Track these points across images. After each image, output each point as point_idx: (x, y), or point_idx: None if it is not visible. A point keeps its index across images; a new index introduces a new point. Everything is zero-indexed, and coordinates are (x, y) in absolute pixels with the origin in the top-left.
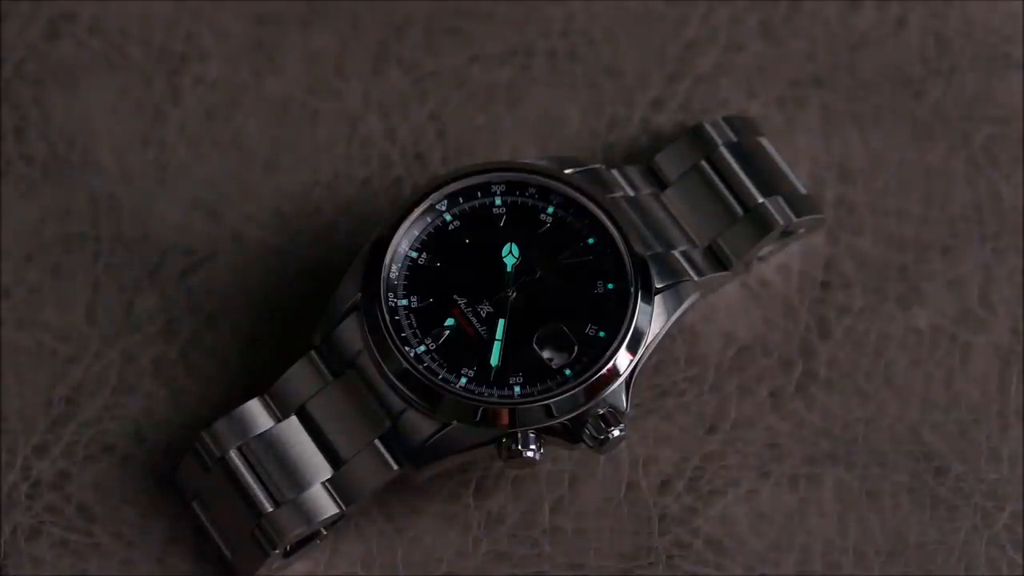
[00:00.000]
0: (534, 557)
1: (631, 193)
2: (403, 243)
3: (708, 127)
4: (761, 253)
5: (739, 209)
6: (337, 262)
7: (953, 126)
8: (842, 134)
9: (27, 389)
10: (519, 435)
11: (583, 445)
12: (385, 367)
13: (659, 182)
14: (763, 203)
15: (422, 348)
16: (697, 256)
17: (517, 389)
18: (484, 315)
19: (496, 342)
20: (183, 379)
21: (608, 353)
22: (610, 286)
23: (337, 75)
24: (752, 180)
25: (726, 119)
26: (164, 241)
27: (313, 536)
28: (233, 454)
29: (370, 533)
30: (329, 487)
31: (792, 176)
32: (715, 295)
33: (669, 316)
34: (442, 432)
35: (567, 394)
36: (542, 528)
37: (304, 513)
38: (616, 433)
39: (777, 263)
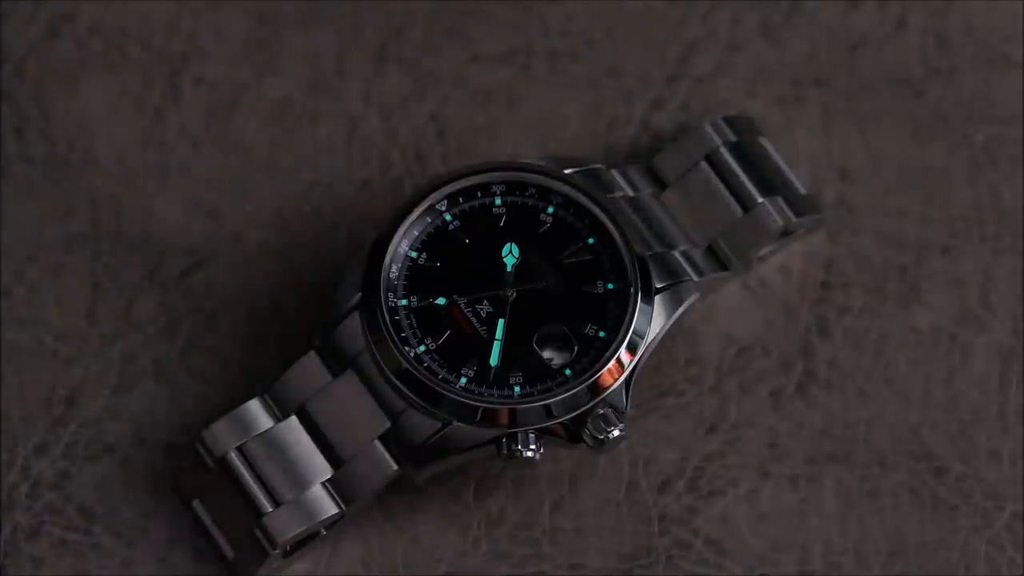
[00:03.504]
0: (534, 557)
1: (631, 193)
2: (403, 243)
3: (708, 127)
4: (761, 253)
5: (739, 209)
6: (337, 262)
7: (953, 126)
8: (842, 134)
9: (27, 389)
10: (519, 435)
11: (583, 445)
12: (385, 367)
13: (659, 182)
14: (763, 203)
15: (422, 348)
16: (697, 256)
17: (517, 389)
18: (484, 315)
19: (496, 342)
20: (183, 379)
21: (608, 353)
22: (610, 286)
23: (337, 75)
24: (752, 180)
25: (726, 119)
26: (164, 241)
27: (313, 536)
28: (233, 454)
29: (370, 533)
30: (329, 487)
31: (792, 176)
32: (715, 295)
33: (669, 316)
34: (442, 432)
35: (567, 394)
36: (542, 528)
37: (304, 513)
38: (616, 433)
39: (777, 263)
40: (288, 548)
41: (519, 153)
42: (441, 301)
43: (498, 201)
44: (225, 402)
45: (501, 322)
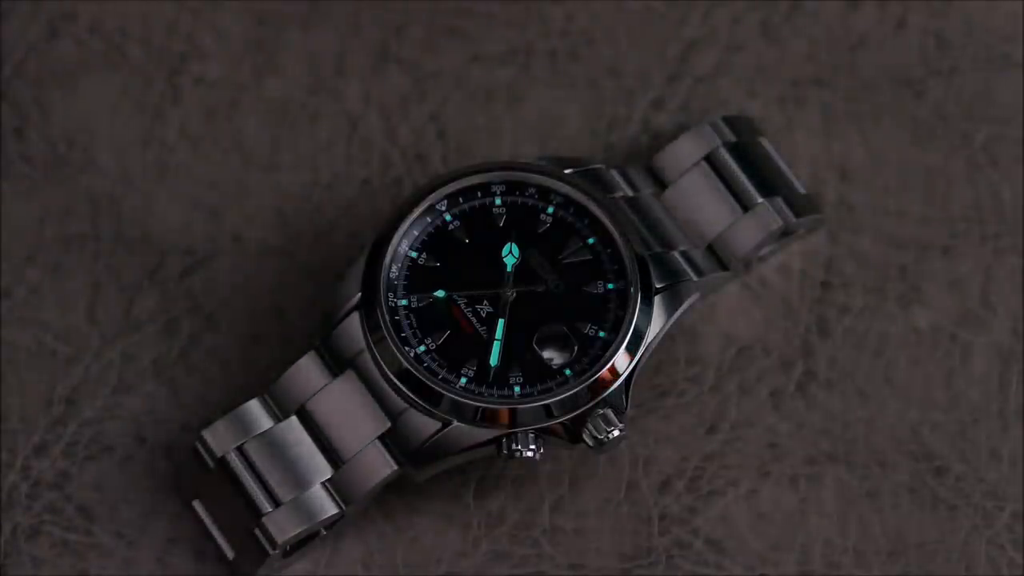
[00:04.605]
0: (534, 557)
1: (631, 193)
2: (403, 243)
3: (708, 127)
4: (761, 253)
5: (739, 209)
6: (337, 262)
7: (953, 126)
8: (842, 134)
9: (27, 389)
10: (519, 435)
11: (583, 445)
12: (385, 367)
13: (659, 182)
14: (763, 203)
15: (422, 348)
16: (697, 256)
17: (517, 389)
18: (484, 315)
19: (496, 342)
20: (183, 379)
21: (608, 353)
22: (610, 286)
23: (337, 75)
24: (752, 180)
25: (726, 119)
26: (164, 241)
27: (313, 536)
28: (233, 454)
29: (370, 533)
30: (329, 487)
31: (792, 176)
32: (715, 295)
33: (669, 316)
34: (442, 432)
35: (567, 394)
36: (542, 528)
37: (304, 513)
38: (616, 433)
39: (777, 263)
40: (288, 548)
41: (519, 153)
42: (440, 293)
43: (498, 201)
44: (225, 402)
45: (501, 322)
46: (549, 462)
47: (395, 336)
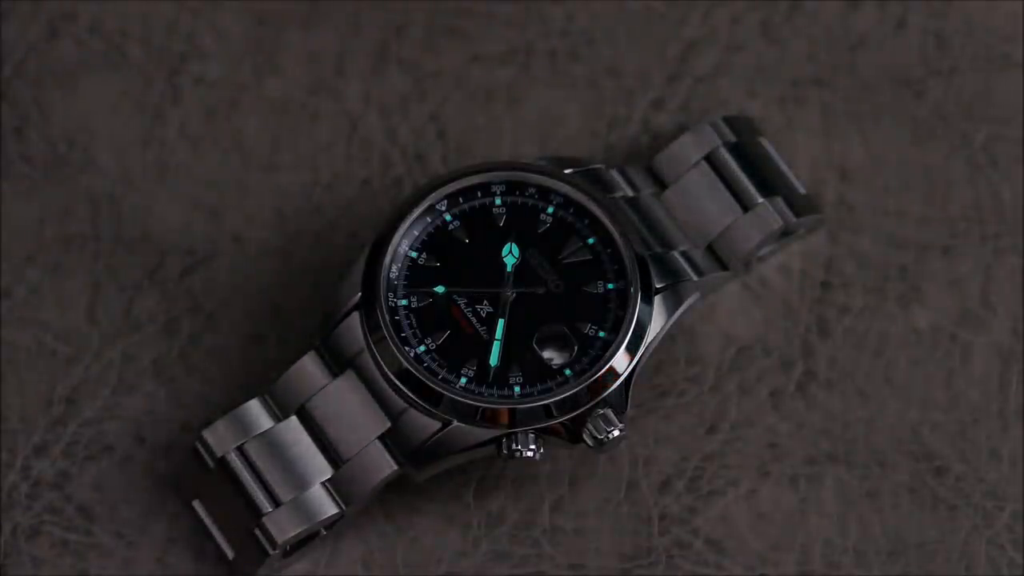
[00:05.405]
0: (534, 557)
1: (631, 193)
2: (403, 243)
3: (708, 127)
4: (761, 253)
5: (739, 209)
6: (337, 262)
7: (953, 126)
8: (842, 134)
9: (27, 389)
10: (519, 435)
11: (583, 445)
12: (385, 367)
13: (659, 182)
14: (763, 203)
15: (422, 348)
16: (697, 256)
17: (517, 389)
18: (484, 315)
19: (496, 342)
20: (183, 379)
21: (608, 353)
22: (610, 286)
23: (337, 75)
24: (752, 180)
25: (726, 119)
26: (164, 241)
27: (313, 536)
28: (233, 454)
29: (370, 533)
30: (329, 487)
31: (792, 176)
32: (715, 295)
33: (669, 316)
34: (442, 432)
35: (567, 394)
36: (542, 528)
37: (304, 513)
38: (616, 433)
39: (777, 263)
40: (288, 548)
41: (519, 153)
42: (440, 289)
43: (498, 201)
44: (225, 402)
45: (501, 322)
46: (549, 462)
47: (395, 336)
